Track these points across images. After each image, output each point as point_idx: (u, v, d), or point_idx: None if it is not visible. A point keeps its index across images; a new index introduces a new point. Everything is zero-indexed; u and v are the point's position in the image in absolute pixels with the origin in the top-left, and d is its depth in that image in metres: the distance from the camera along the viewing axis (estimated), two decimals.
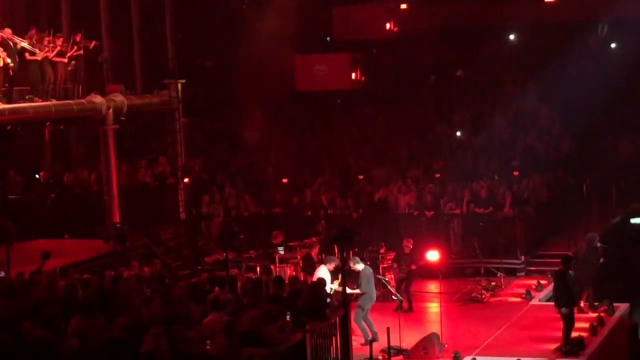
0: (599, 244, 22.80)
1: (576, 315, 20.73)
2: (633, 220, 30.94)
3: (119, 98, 26.75)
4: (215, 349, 13.81)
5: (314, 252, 24.84)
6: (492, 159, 31.00)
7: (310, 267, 23.75)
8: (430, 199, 28.25)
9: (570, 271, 20.11)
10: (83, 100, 25.98)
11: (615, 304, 22.93)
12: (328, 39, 35.69)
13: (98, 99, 26.16)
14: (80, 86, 26.37)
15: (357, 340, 19.84)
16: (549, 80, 35.18)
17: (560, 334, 20.36)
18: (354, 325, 19.72)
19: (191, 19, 34.93)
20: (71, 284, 16.84)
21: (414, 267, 23.80)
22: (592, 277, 22.78)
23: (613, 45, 36.12)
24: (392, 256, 25.36)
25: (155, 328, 13.61)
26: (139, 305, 15.48)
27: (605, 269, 25.65)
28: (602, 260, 22.92)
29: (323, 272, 20.43)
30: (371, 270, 21.51)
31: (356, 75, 32.13)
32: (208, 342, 13.99)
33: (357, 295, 20.98)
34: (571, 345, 19.81)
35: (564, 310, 19.96)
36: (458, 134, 33.15)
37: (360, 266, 21.19)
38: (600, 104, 33.62)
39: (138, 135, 31.71)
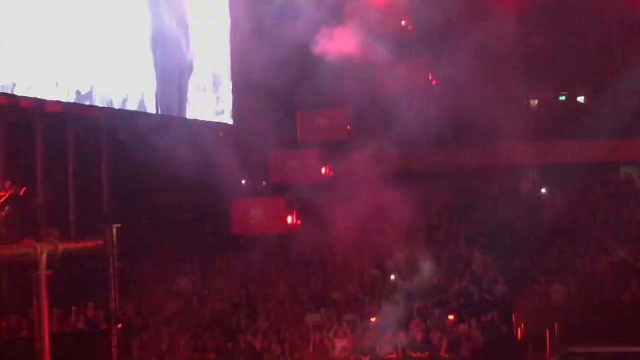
0: None
1: None
2: None
3: (53, 243, 26.50)
4: None
5: None
6: (427, 303, 31.06)
7: None
8: (366, 344, 28.21)
9: None
10: (16, 246, 25.72)
11: None
12: (264, 183, 35.96)
13: (32, 244, 25.90)
14: (14, 232, 26.15)
15: None
16: (481, 225, 35.71)
17: None
18: None
19: (126, 163, 34.92)
20: None
21: None
22: None
23: (543, 191, 36.83)
24: None
25: None
26: None
27: None
28: None
29: None
30: None
31: (292, 219, 32.21)
32: None
33: None
34: None
35: None
36: (392, 277, 33.25)
37: None
38: (531, 248, 34.14)
39: (70, 280, 31.29)
